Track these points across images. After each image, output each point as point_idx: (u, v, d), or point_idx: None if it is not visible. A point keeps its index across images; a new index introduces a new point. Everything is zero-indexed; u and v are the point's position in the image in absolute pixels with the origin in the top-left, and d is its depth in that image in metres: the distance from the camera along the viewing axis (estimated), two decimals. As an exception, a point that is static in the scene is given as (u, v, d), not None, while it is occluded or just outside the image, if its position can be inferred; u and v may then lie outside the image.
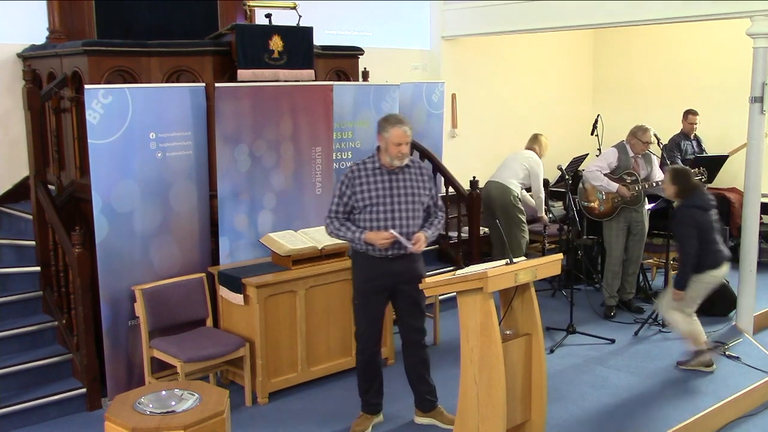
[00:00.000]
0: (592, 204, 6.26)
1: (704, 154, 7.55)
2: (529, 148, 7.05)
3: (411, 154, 6.59)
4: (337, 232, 4.11)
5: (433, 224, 4.21)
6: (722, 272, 5.08)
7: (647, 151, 6.19)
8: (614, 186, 6.05)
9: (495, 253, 6.80)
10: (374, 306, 4.18)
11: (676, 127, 7.81)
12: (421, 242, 4.03)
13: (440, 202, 4.30)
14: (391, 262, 4.08)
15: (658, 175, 6.17)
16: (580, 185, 6.47)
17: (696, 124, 7.70)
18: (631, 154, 6.12)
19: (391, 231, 3.97)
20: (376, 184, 4.05)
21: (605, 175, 6.10)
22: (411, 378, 4.37)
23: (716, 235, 5.04)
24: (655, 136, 6.26)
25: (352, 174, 4.08)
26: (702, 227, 4.95)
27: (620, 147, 6.18)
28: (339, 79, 5.90)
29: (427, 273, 6.21)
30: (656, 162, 6.26)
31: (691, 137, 7.74)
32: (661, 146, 6.64)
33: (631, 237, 6.23)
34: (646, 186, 6.08)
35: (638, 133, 6.07)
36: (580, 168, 7.63)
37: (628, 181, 6.09)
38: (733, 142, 7.80)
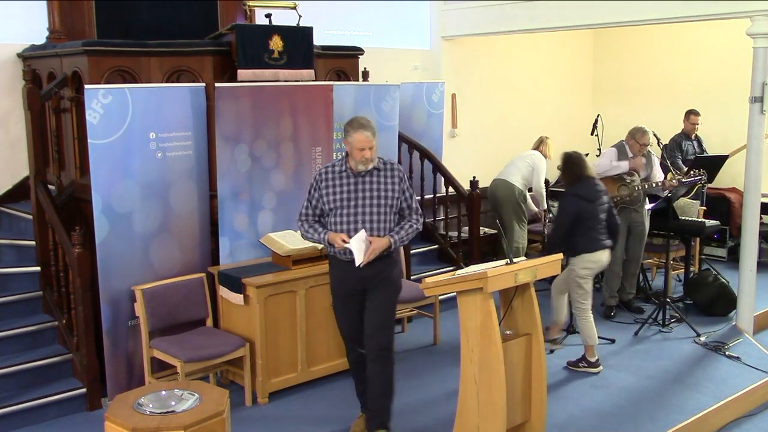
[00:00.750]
0: None
1: (704, 154, 7.54)
2: (535, 149, 7.11)
3: (411, 154, 6.75)
4: (306, 234, 4.11)
5: (404, 228, 4.07)
6: (598, 257, 5.16)
7: (649, 151, 6.19)
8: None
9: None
10: (350, 308, 4.10)
11: (677, 128, 7.80)
12: (373, 251, 3.89)
13: (416, 205, 4.14)
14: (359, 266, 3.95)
15: (659, 175, 6.17)
16: None
17: (698, 124, 7.68)
18: (630, 154, 6.13)
19: (354, 237, 3.87)
20: (341, 186, 3.99)
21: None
22: (368, 390, 4.10)
23: (598, 225, 5.15)
24: (655, 136, 6.27)
25: (320, 177, 4.05)
26: (582, 216, 5.10)
27: (619, 147, 6.19)
28: (339, 79, 5.90)
29: (427, 273, 6.31)
30: (657, 162, 6.26)
31: (692, 137, 7.73)
32: (661, 146, 6.64)
33: (631, 237, 6.23)
34: (646, 186, 6.08)
35: (636, 135, 6.08)
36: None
37: (628, 181, 6.09)
38: (733, 142, 7.79)
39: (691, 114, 7.69)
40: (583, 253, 5.13)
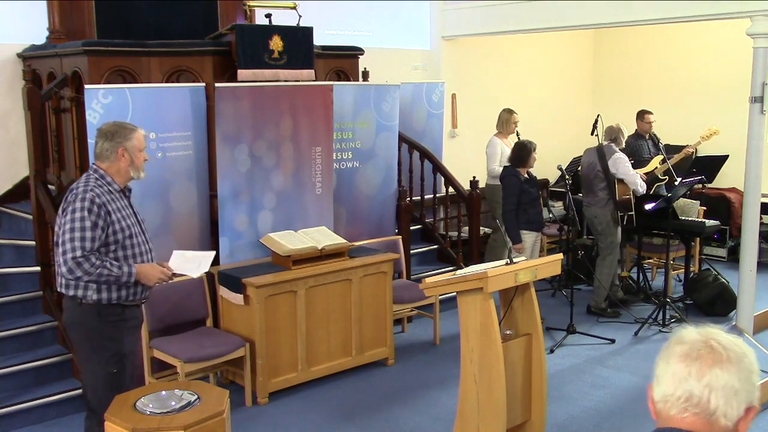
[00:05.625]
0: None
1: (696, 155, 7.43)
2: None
3: (411, 154, 6.73)
4: (101, 271, 3.17)
5: None
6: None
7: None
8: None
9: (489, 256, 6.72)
10: (127, 366, 3.42)
11: (677, 127, 7.77)
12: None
13: None
14: (138, 308, 3.51)
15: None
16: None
17: (652, 123, 7.46)
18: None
19: (171, 265, 3.46)
20: (125, 209, 3.36)
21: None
22: None
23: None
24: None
25: (100, 200, 3.22)
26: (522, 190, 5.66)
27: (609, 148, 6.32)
28: (339, 79, 5.90)
29: (427, 273, 6.30)
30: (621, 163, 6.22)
31: (647, 137, 7.41)
32: (661, 144, 6.64)
33: (593, 234, 6.39)
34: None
35: None
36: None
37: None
38: (732, 142, 7.76)
39: (644, 113, 7.37)
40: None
